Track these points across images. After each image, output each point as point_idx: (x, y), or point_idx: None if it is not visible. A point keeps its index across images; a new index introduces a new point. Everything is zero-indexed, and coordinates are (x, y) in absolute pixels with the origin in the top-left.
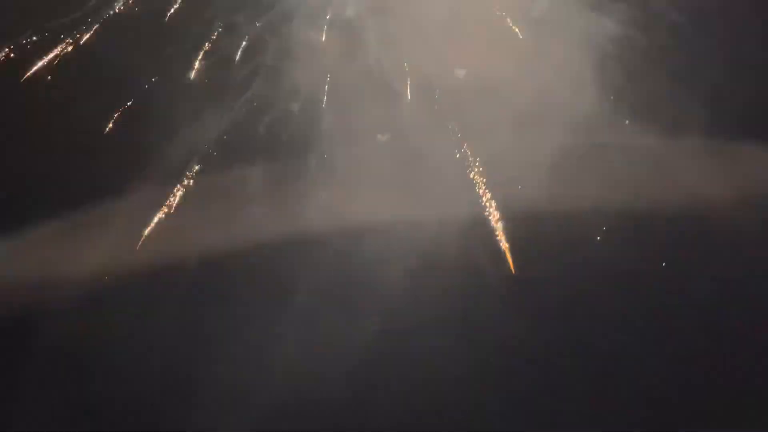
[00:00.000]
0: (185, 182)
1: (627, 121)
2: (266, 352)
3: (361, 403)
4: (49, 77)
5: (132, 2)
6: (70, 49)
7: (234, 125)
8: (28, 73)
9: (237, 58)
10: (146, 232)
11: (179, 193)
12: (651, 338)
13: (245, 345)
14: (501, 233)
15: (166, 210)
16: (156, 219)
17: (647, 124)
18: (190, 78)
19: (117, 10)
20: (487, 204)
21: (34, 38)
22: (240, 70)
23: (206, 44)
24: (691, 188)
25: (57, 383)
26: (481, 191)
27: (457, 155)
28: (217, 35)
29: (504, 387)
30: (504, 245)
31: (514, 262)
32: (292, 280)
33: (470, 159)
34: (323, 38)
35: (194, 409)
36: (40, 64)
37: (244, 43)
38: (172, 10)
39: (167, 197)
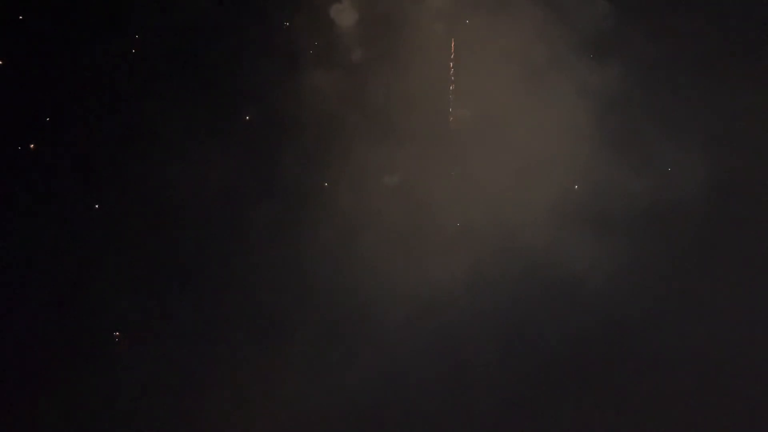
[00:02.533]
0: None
1: (625, 170)
2: (268, 393)
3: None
4: None
5: None
6: None
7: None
8: None
9: None
10: None
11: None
12: None
13: (246, 385)
14: (502, 283)
15: None
16: None
17: (645, 174)
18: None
19: None
20: (488, 257)
21: None
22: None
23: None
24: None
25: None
26: (481, 237)
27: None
28: None
29: None
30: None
31: (512, 310)
32: (290, 322)
33: (471, 204)
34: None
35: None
36: None
37: None
38: None
39: None
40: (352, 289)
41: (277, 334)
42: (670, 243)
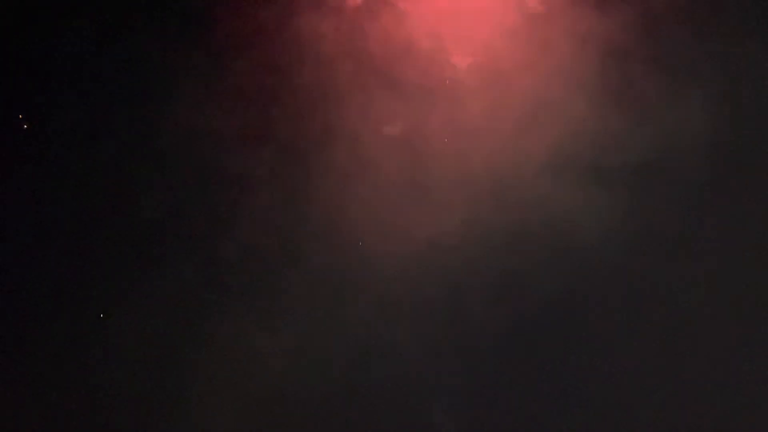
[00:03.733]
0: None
1: (623, 122)
2: (260, 347)
3: (357, 396)
4: None
5: None
6: None
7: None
8: None
9: None
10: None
11: None
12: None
13: (237, 340)
14: (497, 234)
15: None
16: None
17: (644, 127)
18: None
19: None
20: (485, 202)
21: None
22: None
23: None
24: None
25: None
26: (479, 189)
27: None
28: None
29: (495, 379)
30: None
31: (507, 260)
32: (286, 269)
33: (468, 155)
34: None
35: (186, 404)
36: None
37: None
38: None
39: None
40: (348, 239)
41: (273, 282)
42: (667, 197)
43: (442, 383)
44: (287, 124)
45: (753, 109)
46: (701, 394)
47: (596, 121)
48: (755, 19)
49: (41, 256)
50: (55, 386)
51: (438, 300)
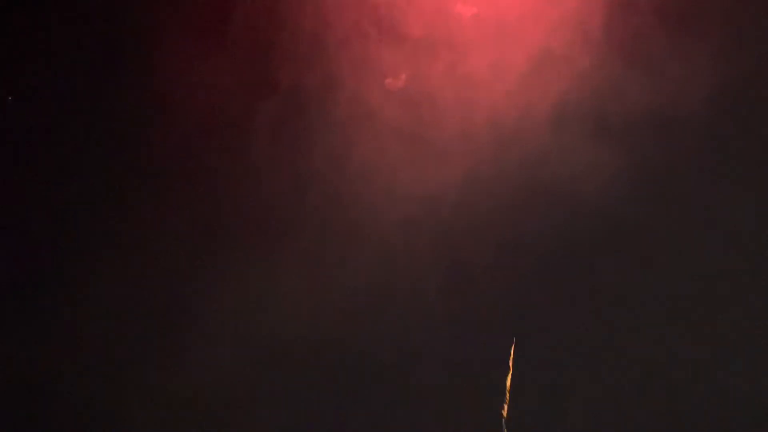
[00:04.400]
0: None
1: (628, 75)
2: (260, 297)
3: (356, 347)
4: None
5: None
6: None
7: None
8: None
9: None
10: None
11: None
12: None
13: (237, 289)
14: (499, 187)
15: None
16: None
17: (650, 80)
18: None
19: None
20: (487, 157)
21: None
22: None
23: None
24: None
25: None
26: (481, 143)
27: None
28: None
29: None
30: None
31: (509, 213)
32: (286, 221)
33: (471, 107)
34: None
35: (191, 350)
36: None
37: None
38: None
39: None
40: (349, 191)
41: (273, 233)
42: (672, 150)
43: (440, 339)
44: (287, 75)
45: (759, 62)
46: (706, 343)
47: (601, 74)
48: None
49: (47, 196)
50: (53, 334)
51: (438, 257)
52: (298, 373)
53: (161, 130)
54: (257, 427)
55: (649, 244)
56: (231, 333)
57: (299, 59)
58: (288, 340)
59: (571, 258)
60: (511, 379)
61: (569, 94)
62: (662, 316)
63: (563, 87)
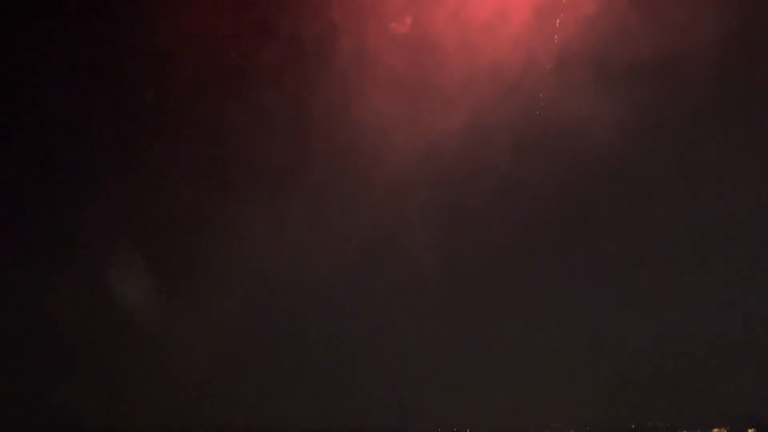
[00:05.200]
0: None
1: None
2: (267, 238)
3: (361, 283)
4: None
5: None
6: None
7: None
8: None
9: None
10: None
11: None
12: None
13: (245, 228)
14: (502, 132)
15: None
16: None
17: (656, 26)
18: None
19: None
20: (490, 102)
21: None
22: None
23: None
24: None
25: None
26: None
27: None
28: None
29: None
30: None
31: (512, 158)
32: (292, 169)
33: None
34: None
35: (202, 286)
36: None
37: None
38: None
39: None
40: (351, 137)
41: (276, 179)
42: (676, 95)
43: (442, 276)
44: (291, 20)
45: (765, 8)
46: (707, 286)
47: (606, 20)
48: None
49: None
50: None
51: (441, 199)
52: (302, 315)
53: (167, 74)
54: (263, 364)
55: (650, 189)
56: (236, 276)
57: (303, 4)
58: (292, 283)
59: (573, 204)
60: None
61: (574, 39)
62: (663, 261)
63: (568, 33)
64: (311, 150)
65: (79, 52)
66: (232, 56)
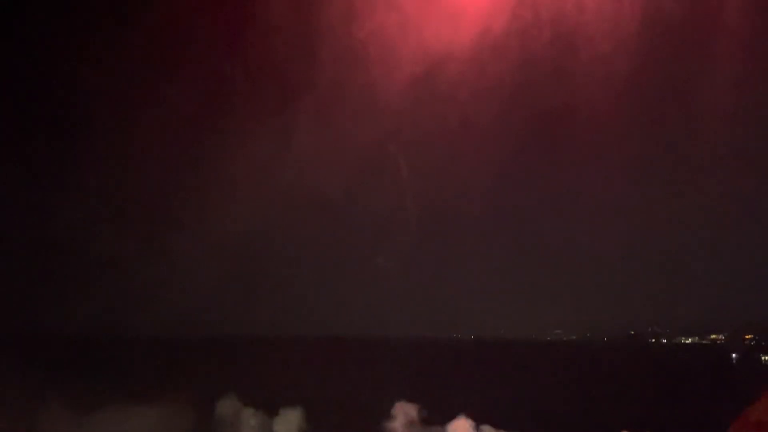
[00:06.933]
0: None
1: None
2: (272, 155)
3: (361, 200)
4: None
5: None
6: None
7: None
8: None
9: None
10: None
11: None
12: None
13: (252, 148)
14: (508, 41)
15: None
16: None
17: None
18: None
19: None
20: (498, 14)
21: None
22: None
23: None
24: None
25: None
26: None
27: None
28: None
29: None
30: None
31: (516, 67)
32: (301, 82)
33: None
34: None
35: (206, 206)
36: None
37: None
38: None
39: None
40: (359, 50)
41: (284, 92)
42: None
43: (448, 185)
44: None
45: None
46: (708, 211)
47: None
48: None
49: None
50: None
51: (448, 111)
52: (306, 223)
53: (176, 18)
54: (266, 273)
55: (655, 98)
56: (244, 187)
57: None
58: (297, 195)
59: (579, 120)
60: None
61: None
62: (664, 171)
63: None
64: (319, 62)
65: None
66: None
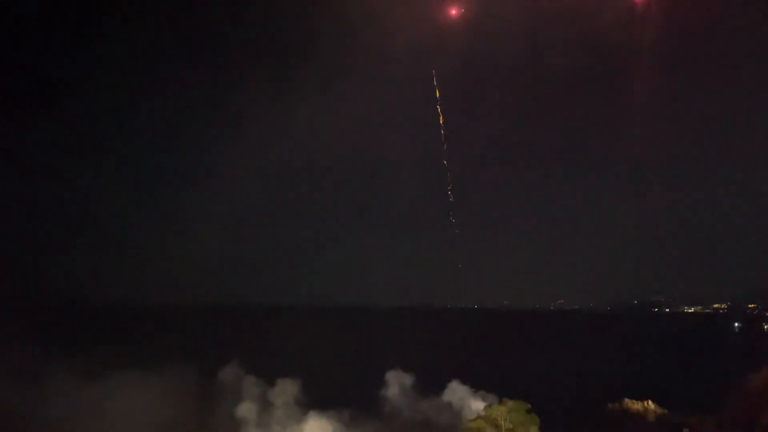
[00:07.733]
0: None
1: None
2: (273, 126)
3: (359, 170)
4: None
5: None
6: None
7: None
8: None
9: None
10: None
11: None
12: None
13: (253, 119)
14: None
15: None
16: None
17: None
18: None
19: None
20: None
21: None
22: None
23: None
24: None
25: None
26: None
27: None
28: None
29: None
30: None
31: (526, 40)
32: (298, 58)
33: None
34: None
35: (213, 171)
36: None
37: None
38: None
39: None
40: (362, 12)
41: (287, 52)
42: None
43: (457, 142)
44: None
45: None
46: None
47: None
48: None
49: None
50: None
51: (456, 74)
52: (307, 190)
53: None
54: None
55: (665, 58)
56: (245, 157)
57: None
58: (296, 165)
59: (585, 77)
60: None
61: None
62: (669, 145)
63: None
64: (319, 32)
65: None
66: None
